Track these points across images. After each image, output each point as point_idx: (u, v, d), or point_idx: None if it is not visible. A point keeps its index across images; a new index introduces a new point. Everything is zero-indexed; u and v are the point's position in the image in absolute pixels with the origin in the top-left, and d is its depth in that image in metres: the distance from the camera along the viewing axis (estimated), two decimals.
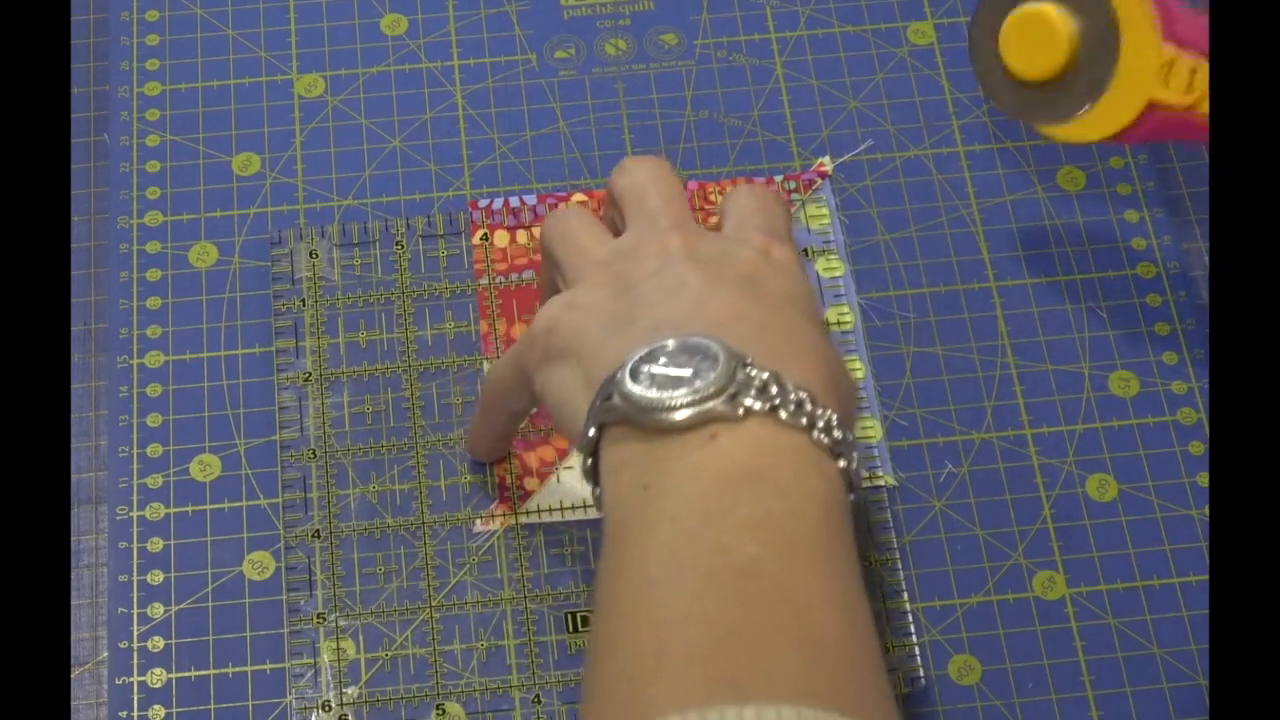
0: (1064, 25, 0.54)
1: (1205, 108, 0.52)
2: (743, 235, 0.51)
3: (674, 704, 0.37)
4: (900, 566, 0.57)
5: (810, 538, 0.41)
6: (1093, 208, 0.64)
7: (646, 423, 0.43)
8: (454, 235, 0.63)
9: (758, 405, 0.43)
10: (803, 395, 0.43)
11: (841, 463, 0.43)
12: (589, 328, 0.48)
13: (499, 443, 0.57)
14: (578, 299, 0.49)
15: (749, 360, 0.43)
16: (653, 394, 0.43)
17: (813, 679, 0.38)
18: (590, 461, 0.45)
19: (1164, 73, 0.52)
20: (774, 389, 0.43)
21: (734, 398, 0.43)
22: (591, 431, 0.45)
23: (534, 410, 0.56)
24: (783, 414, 0.43)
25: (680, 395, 0.43)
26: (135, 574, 0.56)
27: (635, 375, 0.44)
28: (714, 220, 0.63)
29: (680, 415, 0.43)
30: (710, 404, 0.42)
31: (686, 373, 0.43)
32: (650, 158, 0.54)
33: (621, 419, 0.44)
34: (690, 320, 0.46)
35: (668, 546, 0.41)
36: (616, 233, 0.54)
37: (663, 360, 0.44)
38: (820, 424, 0.43)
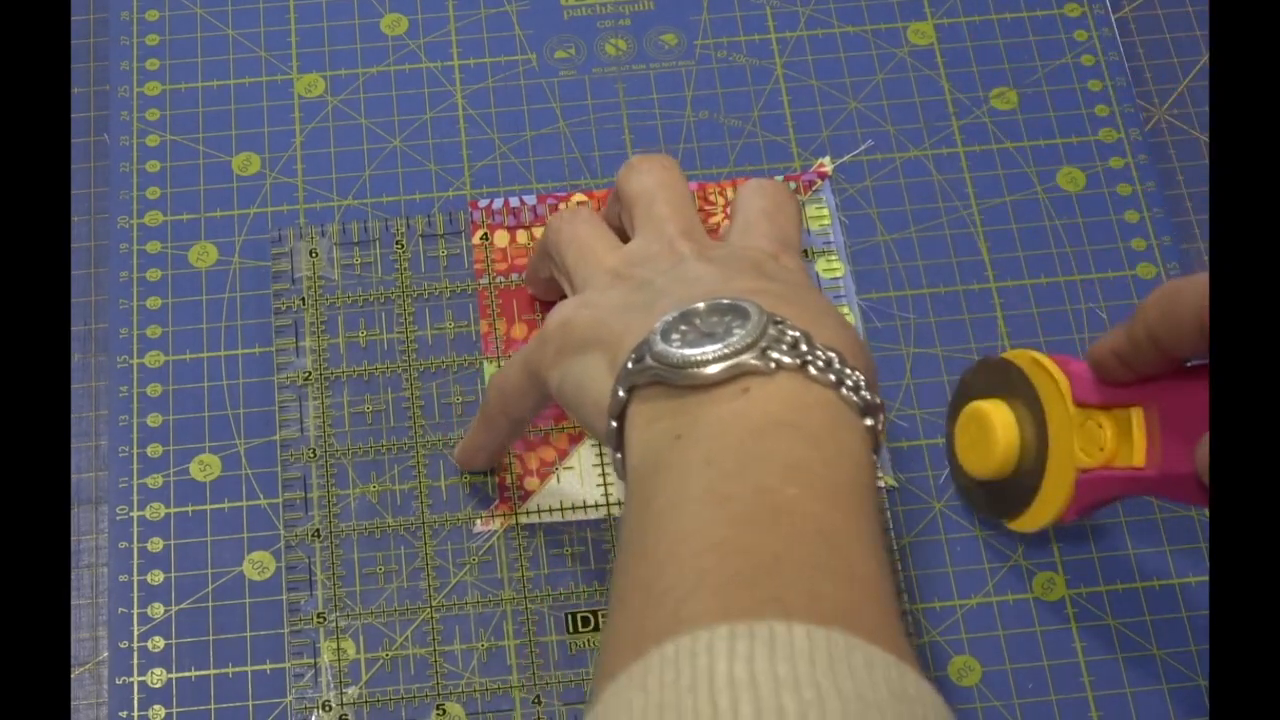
0: (1000, 418, 0.54)
1: (1120, 460, 0.51)
2: (751, 243, 0.51)
3: (720, 617, 0.37)
4: (900, 567, 0.57)
5: (845, 486, 0.42)
6: (1093, 208, 0.64)
7: (679, 379, 0.43)
8: (454, 235, 0.63)
9: (788, 360, 0.43)
10: (831, 354, 0.44)
11: (868, 421, 0.44)
12: (607, 319, 0.48)
13: (495, 454, 0.57)
14: (590, 299, 0.50)
15: (780, 319, 0.44)
16: (685, 351, 0.43)
17: (855, 611, 0.38)
18: (615, 425, 0.45)
19: (1078, 438, 0.51)
20: (804, 346, 0.44)
21: (765, 352, 0.43)
22: (621, 393, 0.45)
23: (544, 410, 0.55)
24: (813, 370, 0.43)
25: (712, 350, 0.43)
26: (135, 574, 0.56)
27: (666, 337, 0.44)
28: (714, 219, 0.63)
29: (712, 369, 0.43)
30: (742, 357, 0.43)
31: (719, 329, 0.44)
32: (659, 158, 0.54)
33: (653, 379, 0.44)
34: (714, 294, 0.46)
35: (704, 485, 0.41)
36: (620, 228, 0.54)
37: (695, 320, 0.45)
38: (849, 382, 0.44)
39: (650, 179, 0.53)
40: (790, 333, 0.44)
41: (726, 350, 0.43)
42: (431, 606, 0.56)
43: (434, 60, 0.67)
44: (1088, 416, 0.51)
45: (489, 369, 0.60)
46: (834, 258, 0.63)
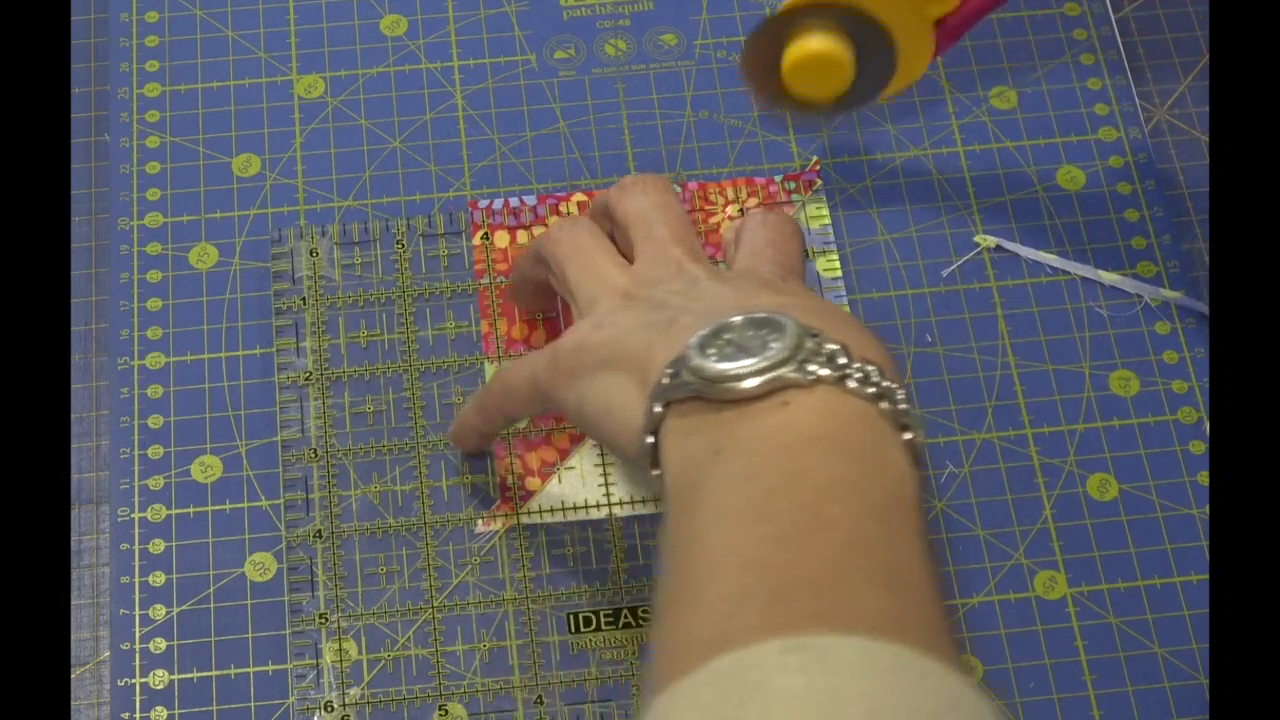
0: (831, 44, 0.56)
1: None
2: (756, 266, 0.51)
3: (770, 631, 0.37)
4: None
5: (888, 501, 0.41)
6: (1093, 208, 0.64)
7: (716, 394, 0.43)
8: (454, 235, 0.63)
9: (826, 373, 0.43)
10: (870, 368, 0.43)
11: (908, 435, 0.44)
12: (627, 337, 0.48)
13: (488, 439, 0.58)
14: (603, 319, 0.49)
15: (815, 332, 0.44)
16: (722, 365, 0.43)
17: (903, 623, 0.38)
18: (651, 440, 0.45)
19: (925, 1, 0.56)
20: (842, 359, 0.43)
21: (803, 365, 0.43)
22: (658, 408, 0.44)
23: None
24: (851, 383, 0.43)
25: (749, 364, 0.43)
26: (137, 575, 0.56)
27: (702, 351, 0.44)
28: (715, 219, 0.63)
29: (750, 383, 0.43)
30: (780, 371, 0.43)
31: (754, 344, 0.43)
32: (652, 179, 0.54)
33: (691, 393, 0.44)
34: (741, 310, 0.46)
35: (745, 502, 0.41)
36: (614, 243, 0.54)
37: (728, 335, 0.44)
38: (889, 396, 0.43)
39: (646, 200, 0.53)
40: (828, 346, 0.43)
41: (764, 364, 0.43)
42: (433, 607, 0.56)
43: (434, 61, 0.67)
44: None
45: (490, 369, 0.60)
46: (834, 257, 0.63)
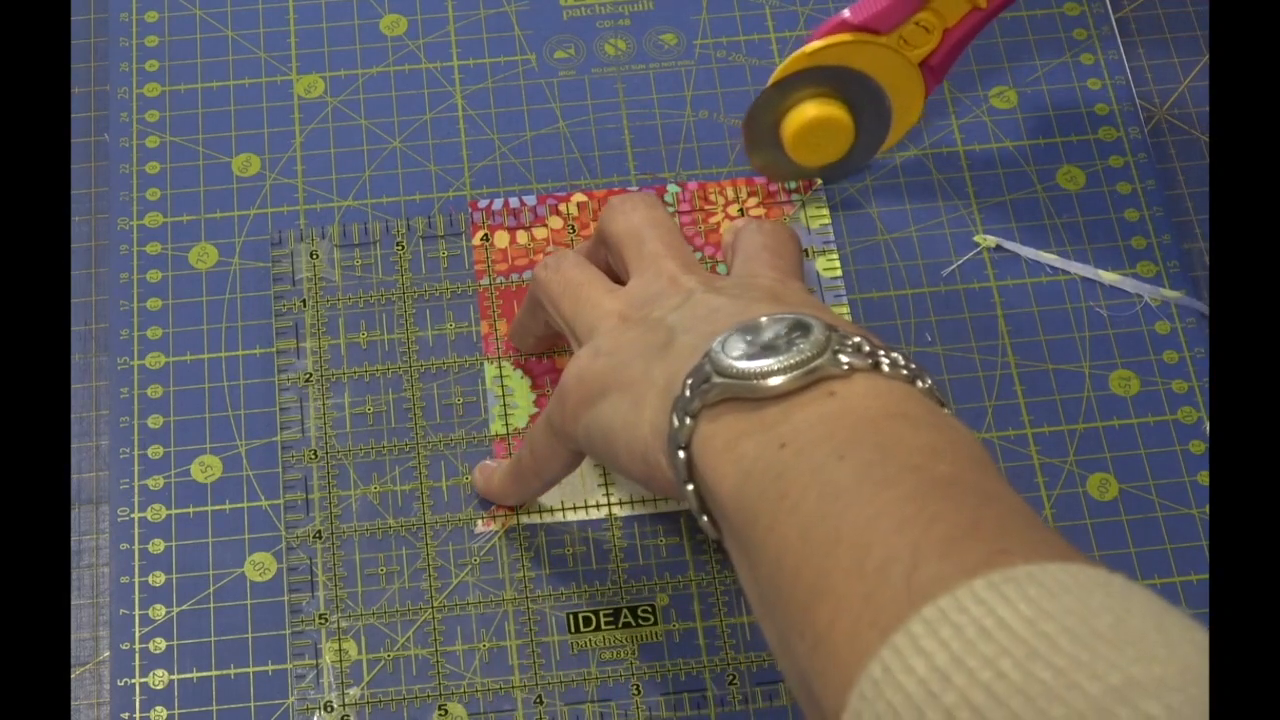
0: (829, 108, 0.60)
1: (954, 15, 0.58)
2: (755, 271, 0.51)
3: (962, 575, 0.36)
4: None
5: (981, 460, 0.42)
6: (1093, 207, 0.64)
7: (751, 392, 0.43)
8: (454, 236, 0.63)
9: (859, 362, 0.43)
10: (896, 354, 0.44)
11: (948, 411, 0.44)
12: (627, 362, 0.48)
13: (523, 502, 0.58)
14: (601, 346, 0.49)
15: (835, 326, 0.44)
16: (753, 364, 0.43)
17: (1070, 553, 0.38)
18: (684, 455, 0.44)
19: (903, 50, 0.59)
20: (866, 348, 0.44)
21: (835, 356, 0.43)
22: (688, 420, 0.44)
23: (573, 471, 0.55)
24: (885, 368, 0.43)
25: (781, 360, 0.43)
26: (137, 575, 0.56)
27: (727, 352, 0.44)
28: (714, 219, 0.63)
29: (786, 378, 0.43)
30: (816, 363, 0.43)
31: (780, 343, 0.44)
32: (640, 196, 0.54)
33: (724, 395, 0.44)
34: (739, 319, 0.46)
35: (853, 477, 0.40)
36: (609, 272, 0.54)
37: (751, 337, 0.44)
38: (920, 377, 0.44)
39: (636, 217, 0.53)
40: (852, 338, 0.44)
41: (800, 358, 0.43)
42: (433, 607, 0.56)
43: (433, 61, 0.67)
44: (898, 34, 0.58)
45: (489, 370, 0.60)
46: (834, 257, 0.63)
